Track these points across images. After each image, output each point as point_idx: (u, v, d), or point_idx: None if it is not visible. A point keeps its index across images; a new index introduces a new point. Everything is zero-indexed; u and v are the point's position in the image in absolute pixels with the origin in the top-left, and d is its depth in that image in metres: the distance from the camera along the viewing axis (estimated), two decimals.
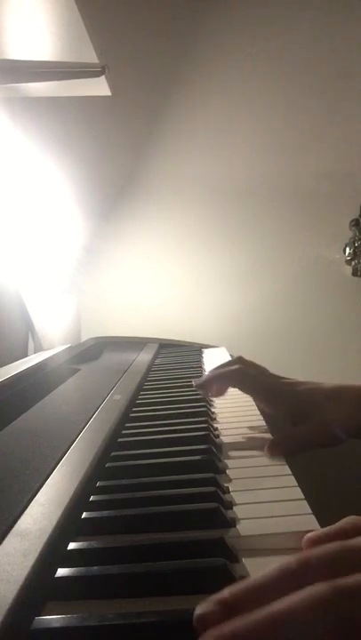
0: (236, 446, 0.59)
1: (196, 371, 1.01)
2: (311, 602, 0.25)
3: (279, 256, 1.72)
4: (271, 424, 0.66)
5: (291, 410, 0.65)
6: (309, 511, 0.41)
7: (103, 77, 1.07)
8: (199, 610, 0.26)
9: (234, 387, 0.70)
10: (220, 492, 0.44)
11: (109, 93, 1.17)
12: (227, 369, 0.69)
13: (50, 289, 1.39)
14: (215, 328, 1.67)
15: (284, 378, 0.70)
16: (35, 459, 0.50)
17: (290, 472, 0.50)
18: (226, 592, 0.27)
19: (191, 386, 0.86)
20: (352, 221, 1.69)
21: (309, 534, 0.36)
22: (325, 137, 1.69)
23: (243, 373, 0.68)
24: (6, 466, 0.49)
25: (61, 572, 0.33)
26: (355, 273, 1.70)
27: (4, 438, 0.58)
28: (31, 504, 0.40)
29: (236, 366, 0.69)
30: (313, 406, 0.63)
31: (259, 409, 0.71)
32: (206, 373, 0.72)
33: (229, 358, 1.20)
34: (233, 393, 0.71)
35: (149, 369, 1.06)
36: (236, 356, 0.76)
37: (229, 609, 0.26)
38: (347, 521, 0.35)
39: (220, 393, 0.71)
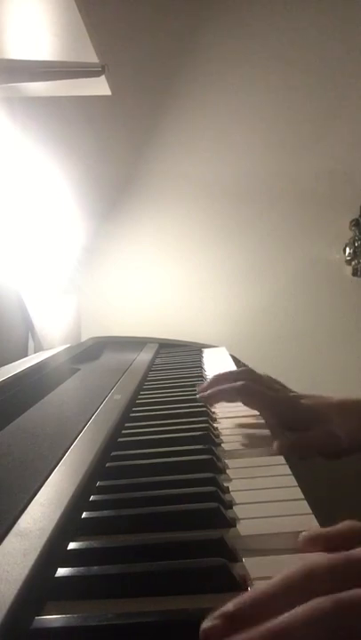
0: (236, 446, 0.59)
1: (196, 371, 1.01)
2: (311, 617, 0.25)
3: (279, 256, 1.72)
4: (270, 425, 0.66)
5: (296, 422, 0.65)
6: (309, 511, 0.41)
7: (103, 77, 1.07)
8: (205, 624, 0.26)
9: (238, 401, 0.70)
10: (220, 492, 0.44)
11: (109, 93, 1.16)
12: (231, 385, 0.68)
13: (50, 289, 1.39)
14: (215, 328, 1.67)
15: (290, 390, 0.70)
16: (35, 458, 0.50)
17: (290, 472, 0.50)
18: (230, 605, 0.27)
19: (191, 386, 0.86)
20: (352, 221, 1.69)
21: (305, 533, 0.36)
22: (326, 137, 1.69)
23: (248, 388, 0.68)
24: (6, 466, 0.49)
25: (61, 571, 0.33)
26: (355, 273, 1.70)
27: (5, 438, 0.58)
28: (31, 504, 0.40)
29: (240, 383, 0.68)
30: (319, 419, 0.64)
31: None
32: (212, 386, 0.71)
33: (229, 358, 1.19)
34: None
35: (149, 369, 1.06)
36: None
37: (234, 622, 0.26)
38: (345, 525, 0.35)
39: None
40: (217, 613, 0.26)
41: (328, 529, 0.35)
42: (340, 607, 0.25)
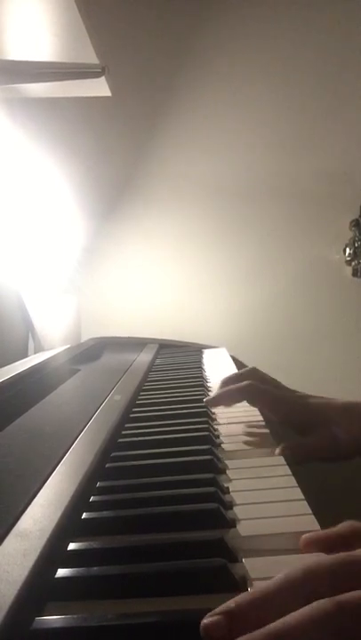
0: (237, 447, 0.59)
1: (196, 371, 1.01)
2: (313, 620, 0.25)
3: (279, 256, 1.72)
4: (271, 425, 0.66)
5: (301, 422, 0.65)
6: (310, 511, 0.41)
7: (103, 78, 1.07)
8: (206, 620, 0.26)
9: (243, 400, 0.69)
10: (220, 493, 0.44)
11: (109, 94, 1.16)
12: (237, 385, 0.68)
13: (50, 289, 1.39)
14: (215, 329, 1.67)
15: (296, 391, 0.70)
16: (35, 459, 0.50)
17: (290, 472, 0.50)
18: (232, 602, 0.27)
19: (191, 386, 0.86)
20: (352, 222, 1.69)
21: (307, 535, 0.36)
22: (326, 137, 1.69)
23: (254, 388, 0.67)
24: (6, 466, 0.49)
25: (61, 572, 0.33)
26: (355, 273, 1.70)
27: (5, 439, 0.58)
28: (31, 504, 0.40)
29: (246, 382, 0.68)
30: (324, 420, 0.64)
31: (262, 414, 0.71)
32: (218, 389, 0.71)
33: (229, 359, 1.20)
34: None
35: (150, 369, 1.06)
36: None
37: (234, 620, 0.26)
38: (345, 526, 0.35)
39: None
40: (218, 610, 0.26)
41: (329, 530, 0.35)
42: (343, 609, 0.25)
